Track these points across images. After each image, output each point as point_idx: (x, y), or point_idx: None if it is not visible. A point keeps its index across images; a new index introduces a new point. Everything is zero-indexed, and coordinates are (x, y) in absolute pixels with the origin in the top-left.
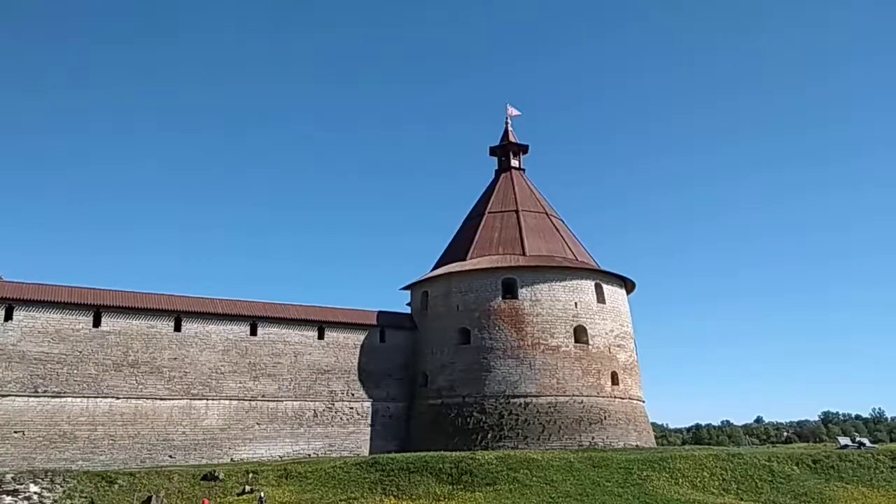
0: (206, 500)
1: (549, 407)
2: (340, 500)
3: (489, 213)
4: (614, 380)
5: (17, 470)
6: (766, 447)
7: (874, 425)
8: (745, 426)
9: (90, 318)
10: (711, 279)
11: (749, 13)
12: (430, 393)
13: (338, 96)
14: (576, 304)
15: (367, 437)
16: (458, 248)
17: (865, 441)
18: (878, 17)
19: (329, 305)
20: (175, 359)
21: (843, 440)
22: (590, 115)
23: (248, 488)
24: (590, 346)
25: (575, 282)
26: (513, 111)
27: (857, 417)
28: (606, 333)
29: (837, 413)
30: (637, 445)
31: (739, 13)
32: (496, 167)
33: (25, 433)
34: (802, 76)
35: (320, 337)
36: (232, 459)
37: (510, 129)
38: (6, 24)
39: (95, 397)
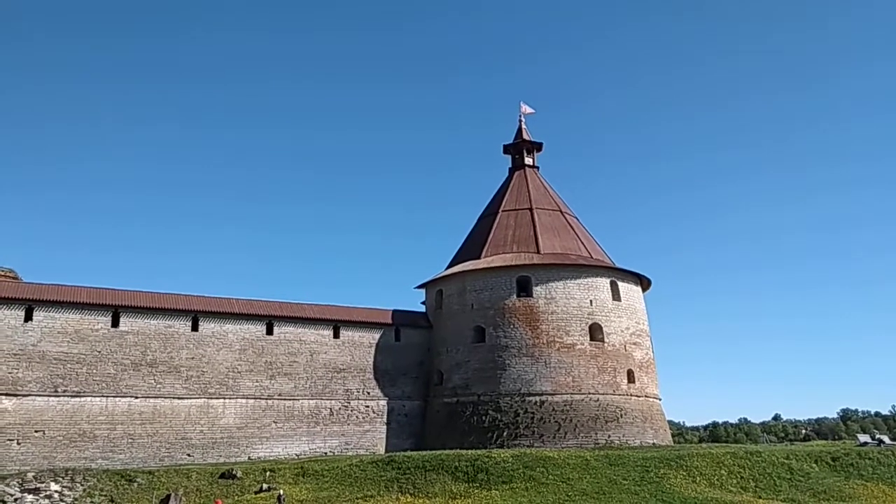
0: (219, 501)
1: (565, 405)
2: (357, 498)
3: (503, 211)
4: (630, 378)
5: (38, 469)
6: (784, 445)
7: (894, 422)
8: (762, 424)
9: (109, 319)
10: (728, 276)
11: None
12: (445, 391)
13: (350, 95)
14: (591, 301)
15: (383, 436)
16: (472, 246)
17: (885, 438)
18: (879, 20)
19: (344, 304)
20: (192, 358)
21: (863, 437)
22: (605, 113)
23: (265, 486)
24: (605, 344)
25: (590, 279)
26: (527, 109)
27: (877, 414)
28: (622, 331)
29: (856, 410)
30: (653, 443)
31: (757, 12)
32: (510, 165)
33: (46, 432)
34: (813, 77)
35: (336, 336)
36: (249, 458)
37: (524, 126)
38: (12, 20)
39: (114, 397)
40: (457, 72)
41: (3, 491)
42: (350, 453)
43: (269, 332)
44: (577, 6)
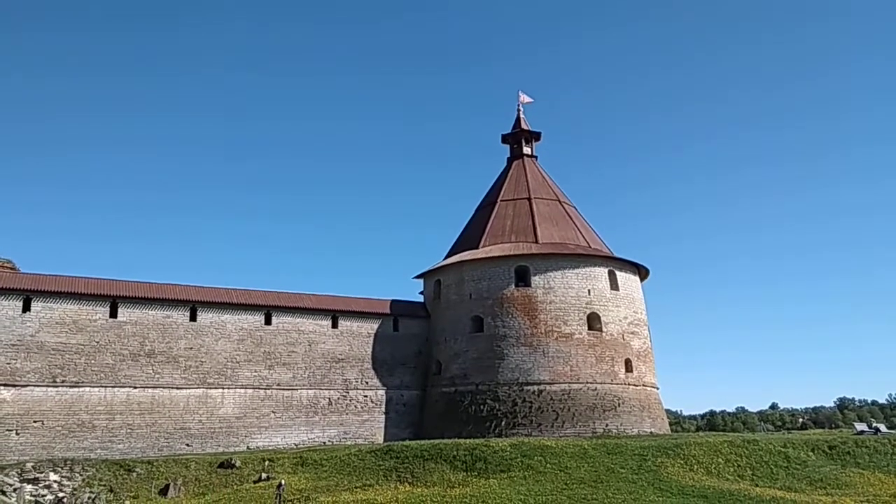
0: None
1: (563, 394)
2: (355, 487)
3: (501, 200)
4: (628, 367)
5: (37, 459)
6: (781, 433)
7: (890, 411)
8: (759, 412)
9: (107, 309)
10: (726, 266)
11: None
12: (443, 381)
13: (348, 87)
14: (589, 291)
15: (382, 425)
16: (470, 236)
17: (882, 427)
18: (878, 17)
19: (343, 295)
20: (191, 348)
21: (860, 426)
22: (604, 103)
23: (264, 476)
24: (603, 334)
25: (588, 269)
26: (525, 98)
27: (874, 403)
28: (620, 320)
29: (853, 399)
30: (651, 432)
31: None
32: (508, 155)
33: (45, 423)
34: (812, 70)
35: (334, 326)
36: (248, 447)
37: (522, 116)
38: (12, 13)
39: (113, 387)
40: (455, 62)
41: (3, 481)
42: (349, 443)
43: (268, 322)
44: None
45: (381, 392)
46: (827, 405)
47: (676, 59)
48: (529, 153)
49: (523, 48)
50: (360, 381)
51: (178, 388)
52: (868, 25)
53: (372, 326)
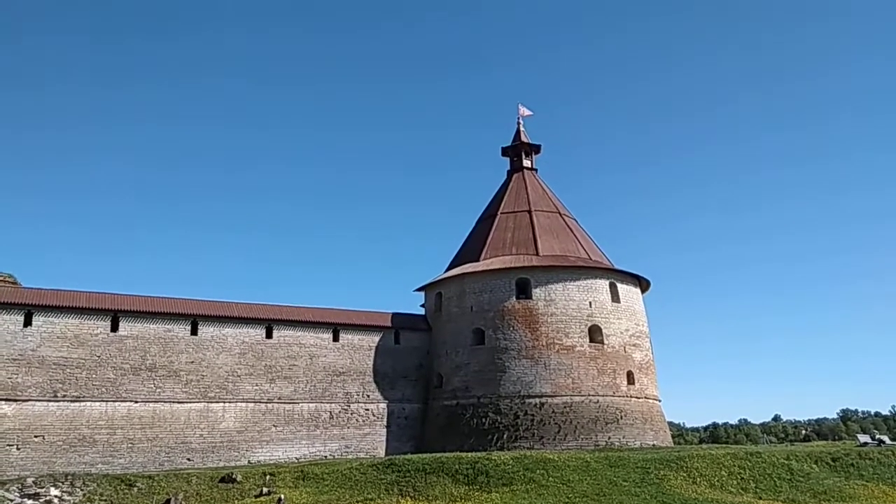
0: None
1: (565, 407)
2: (357, 501)
3: (502, 213)
4: (630, 379)
5: (38, 474)
6: (784, 445)
7: (894, 422)
8: (762, 424)
9: (108, 323)
10: (727, 277)
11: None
12: (445, 394)
13: (349, 96)
14: (590, 303)
15: (383, 439)
16: (471, 248)
17: (885, 438)
18: (878, 17)
19: (343, 308)
20: (192, 362)
21: (863, 438)
22: (602, 114)
23: (265, 490)
24: (605, 346)
25: (589, 281)
26: (525, 111)
27: (877, 415)
28: (621, 333)
29: (856, 410)
30: (654, 445)
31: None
32: (508, 167)
33: (45, 437)
34: (810, 73)
35: (335, 339)
36: (249, 461)
37: (522, 129)
38: (12, 21)
39: (114, 401)
40: (456, 73)
41: (3, 496)
42: (350, 456)
43: (269, 335)
44: (576, 6)
45: (383, 405)
46: (830, 417)
47: (676, 60)
48: (529, 166)
49: (523, 54)
50: (361, 394)
51: (179, 403)
52: (868, 25)
53: (373, 339)
